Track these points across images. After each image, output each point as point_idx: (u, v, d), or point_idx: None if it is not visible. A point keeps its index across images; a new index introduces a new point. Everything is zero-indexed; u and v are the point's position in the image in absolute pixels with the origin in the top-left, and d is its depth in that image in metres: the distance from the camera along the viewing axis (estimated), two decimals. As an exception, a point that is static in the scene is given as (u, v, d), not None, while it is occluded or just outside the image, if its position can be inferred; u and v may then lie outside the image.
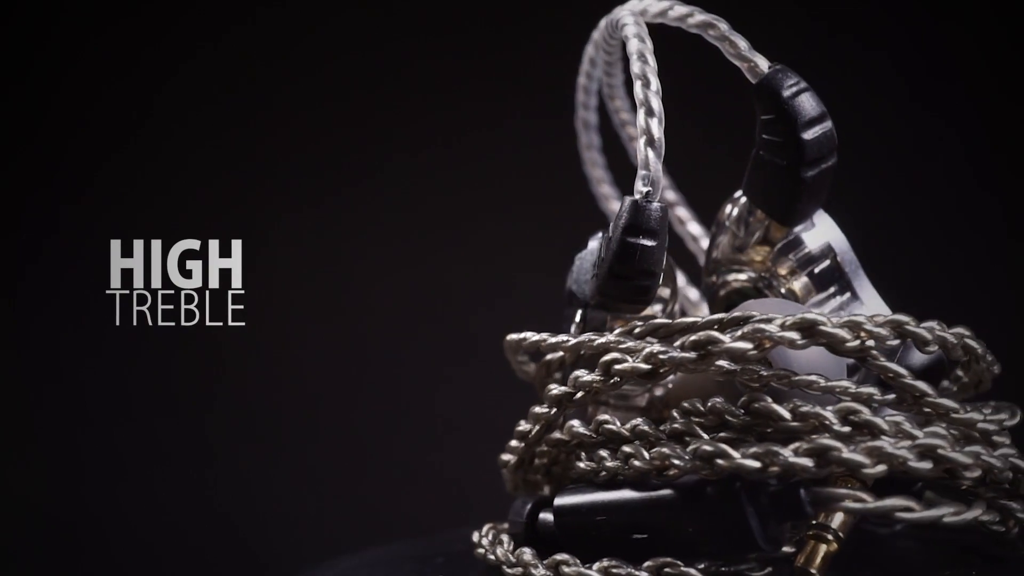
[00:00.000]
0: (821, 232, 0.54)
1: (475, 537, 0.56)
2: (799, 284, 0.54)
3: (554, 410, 0.53)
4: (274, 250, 1.08)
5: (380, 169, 1.08)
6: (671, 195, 0.64)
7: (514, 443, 0.55)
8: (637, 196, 0.50)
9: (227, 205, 1.08)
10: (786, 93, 0.51)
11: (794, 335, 0.48)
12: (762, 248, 0.54)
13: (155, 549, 1.07)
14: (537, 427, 0.54)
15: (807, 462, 0.46)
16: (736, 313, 0.50)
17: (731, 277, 0.55)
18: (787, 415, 0.48)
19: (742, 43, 0.53)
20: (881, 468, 0.46)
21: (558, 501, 0.52)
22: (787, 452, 0.47)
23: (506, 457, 0.56)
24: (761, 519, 0.48)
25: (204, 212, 1.08)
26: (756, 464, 0.47)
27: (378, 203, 1.08)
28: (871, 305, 0.53)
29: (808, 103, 0.51)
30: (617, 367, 0.50)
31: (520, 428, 0.55)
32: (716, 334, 0.48)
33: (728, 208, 0.55)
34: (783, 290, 0.54)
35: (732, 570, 0.49)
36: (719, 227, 0.56)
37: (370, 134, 1.08)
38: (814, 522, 0.48)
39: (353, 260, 1.08)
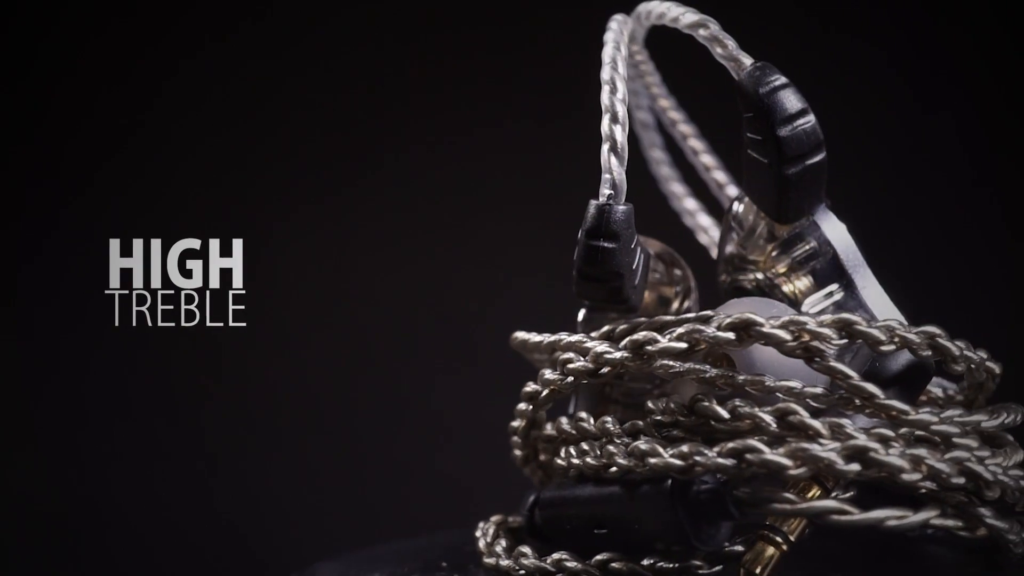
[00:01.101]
0: (822, 228, 0.53)
1: (480, 527, 0.57)
2: (800, 283, 0.54)
3: (531, 407, 0.54)
4: (274, 250, 1.08)
5: (380, 169, 1.08)
6: (678, 187, 0.64)
7: (514, 438, 0.57)
8: (600, 200, 0.51)
9: (227, 205, 1.08)
10: (763, 90, 0.51)
11: (730, 335, 0.48)
12: (765, 246, 0.54)
13: (154, 548, 1.07)
14: (523, 423, 0.55)
15: (728, 462, 0.47)
16: (706, 312, 0.51)
17: (740, 276, 0.56)
18: (726, 415, 0.49)
19: (730, 43, 0.53)
20: (803, 470, 0.46)
21: (543, 495, 0.54)
22: (711, 452, 0.47)
23: (515, 452, 0.57)
24: (694, 518, 0.48)
25: (204, 212, 1.08)
26: (680, 463, 0.48)
27: (378, 203, 1.08)
28: (875, 303, 0.52)
29: (785, 100, 0.51)
30: (569, 366, 0.52)
31: (512, 424, 0.56)
32: (654, 334, 0.50)
33: (732, 206, 0.56)
34: (785, 289, 0.54)
35: (679, 567, 0.50)
36: (726, 226, 0.56)
37: (370, 134, 1.08)
38: (767, 523, 0.48)
39: (353, 260, 1.08)
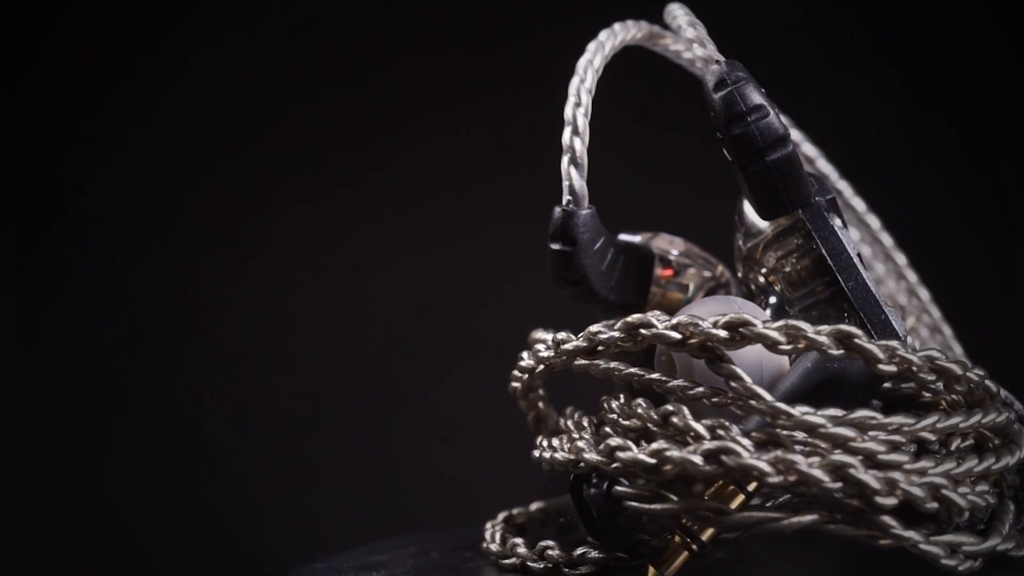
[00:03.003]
0: (809, 225, 0.52)
1: (498, 517, 0.59)
2: (788, 280, 0.53)
3: (520, 384, 0.55)
4: (274, 249, 1.08)
5: (380, 168, 1.08)
6: (795, 133, 0.63)
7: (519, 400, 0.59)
8: (559, 207, 0.54)
9: (227, 204, 1.08)
10: (717, 90, 0.52)
11: (621, 335, 0.50)
12: (759, 243, 0.54)
13: (154, 547, 1.07)
14: (520, 386, 0.56)
15: (601, 458, 0.49)
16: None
17: (749, 274, 0.56)
18: (615, 414, 0.50)
19: (697, 47, 0.54)
20: (668, 468, 0.47)
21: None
22: (592, 452, 0.49)
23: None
24: (583, 511, 0.50)
25: (204, 211, 1.08)
26: (568, 457, 0.50)
27: (378, 202, 1.08)
28: (862, 303, 0.51)
29: (738, 97, 0.51)
30: (563, 346, 0.52)
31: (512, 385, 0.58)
32: (651, 319, 0.50)
33: (739, 203, 0.56)
34: (778, 288, 0.54)
35: (604, 557, 0.51)
36: (735, 223, 0.56)
37: (370, 133, 1.08)
38: (682, 523, 0.48)
39: (353, 259, 1.08)
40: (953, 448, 0.49)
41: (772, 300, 0.54)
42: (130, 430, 1.07)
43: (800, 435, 0.47)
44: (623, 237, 0.58)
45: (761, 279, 0.54)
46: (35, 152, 1.07)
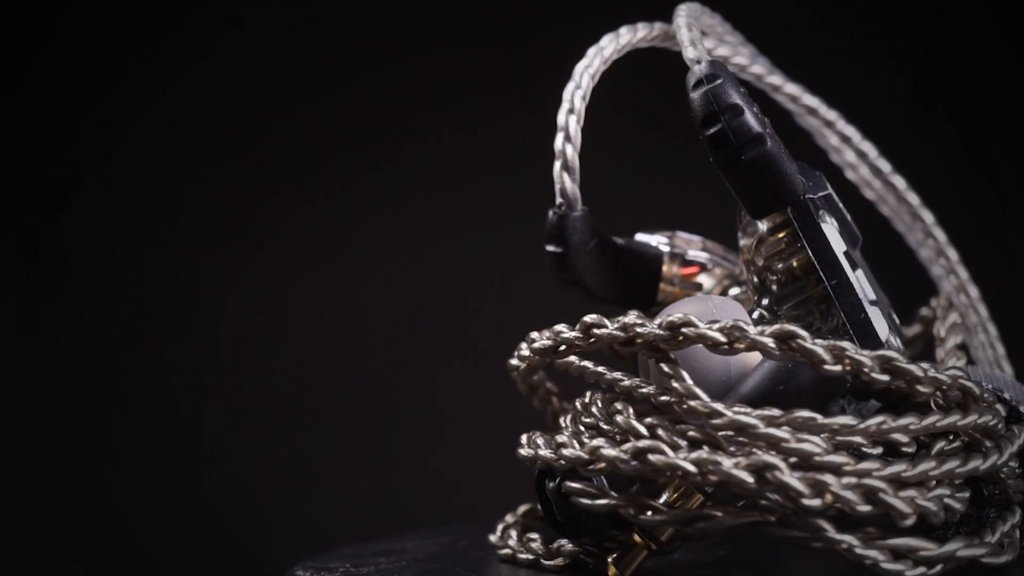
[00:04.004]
0: (795, 225, 0.52)
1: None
2: (776, 278, 0.53)
3: (523, 367, 0.56)
4: (274, 250, 1.08)
5: (380, 168, 1.08)
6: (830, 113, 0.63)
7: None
8: (553, 210, 0.56)
9: (227, 204, 1.08)
10: (693, 92, 0.52)
11: (579, 334, 0.51)
12: (753, 241, 0.54)
13: (153, 546, 1.07)
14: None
15: (551, 455, 0.50)
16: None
17: (750, 274, 0.56)
18: (591, 410, 0.51)
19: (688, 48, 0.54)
20: (602, 466, 0.48)
21: None
22: (545, 448, 0.50)
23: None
24: (545, 507, 0.51)
25: (204, 211, 1.08)
26: (529, 454, 0.52)
27: (378, 202, 1.08)
28: (843, 304, 0.51)
29: (710, 98, 0.52)
30: (534, 344, 0.54)
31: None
32: (604, 319, 0.51)
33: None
34: (774, 287, 0.54)
35: (575, 551, 0.53)
36: (738, 222, 0.56)
37: (370, 133, 1.08)
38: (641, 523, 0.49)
39: (352, 259, 1.08)
40: (935, 451, 0.49)
41: (765, 301, 0.53)
42: (130, 429, 1.07)
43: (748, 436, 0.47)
44: (639, 237, 0.59)
45: (755, 278, 0.54)
46: (35, 152, 1.07)
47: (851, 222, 0.55)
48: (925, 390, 0.48)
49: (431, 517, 0.94)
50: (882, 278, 0.55)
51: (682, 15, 0.56)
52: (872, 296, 0.52)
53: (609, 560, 0.50)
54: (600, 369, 0.51)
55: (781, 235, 0.53)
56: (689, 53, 0.54)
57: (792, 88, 0.62)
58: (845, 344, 0.47)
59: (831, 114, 0.63)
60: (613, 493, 0.49)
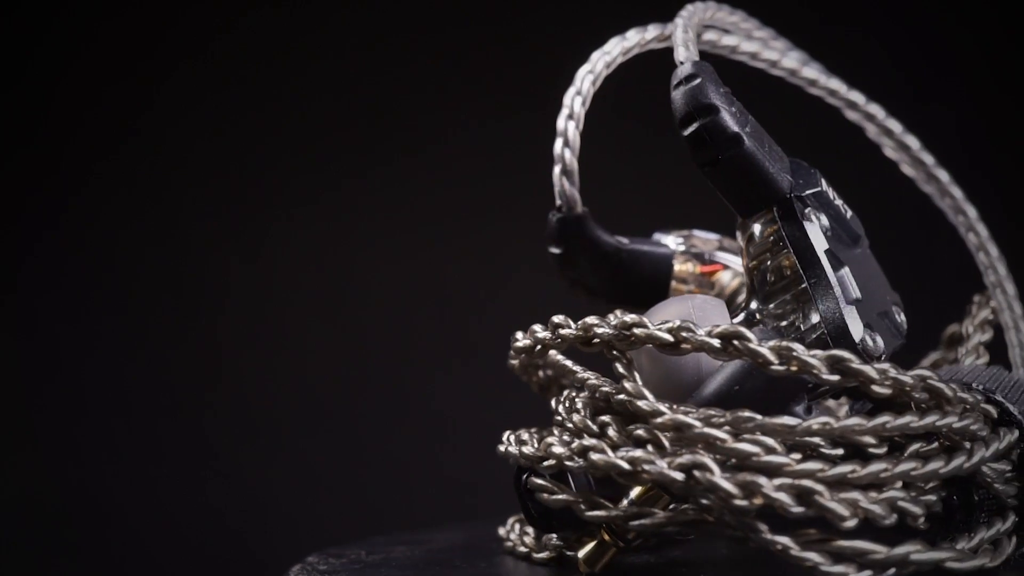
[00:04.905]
0: (780, 223, 0.53)
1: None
2: (761, 276, 0.53)
3: (516, 362, 0.57)
4: (274, 249, 1.08)
5: (379, 168, 1.08)
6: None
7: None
8: (553, 212, 0.57)
9: (227, 205, 1.08)
10: (672, 93, 0.53)
11: (550, 334, 0.52)
12: (745, 241, 0.54)
13: (153, 545, 1.07)
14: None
15: (515, 451, 0.51)
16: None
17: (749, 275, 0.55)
18: (559, 409, 0.53)
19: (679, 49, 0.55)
20: (551, 463, 0.49)
21: None
22: (515, 446, 0.52)
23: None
24: (522, 502, 0.52)
25: (204, 211, 1.08)
26: (508, 450, 0.53)
27: (378, 202, 1.08)
28: (824, 303, 0.51)
29: (686, 99, 0.52)
30: (515, 344, 0.55)
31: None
32: (569, 320, 0.52)
33: None
34: (767, 287, 0.54)
35: (561, 545, 0.54)
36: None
37: (369, 134, 1.08)
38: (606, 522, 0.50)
39: (353, 259, 1.08)
40: (909, 452, 0.48)
41: (755, 302, 0.53)
42: (130, 429, 1.07)
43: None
44: (657, 236, 0.59)
45: (747, 277, 0.55)
46: (35, 151, 1.07)
47: (850, 220, 0.55)
48: (881, 391, 0.47)
49: (431, 517, 0.94)
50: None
51: (683, 16, 0.56)
52: (855, 295, 0.51)
53: (579, 556, 0.51)
54: (575, 368, 0.52)
55: (768, 234, 0.53)
56: (678, 54, 0.54)
57: (834, 83, 0.62)
58: (793, 345, 0.47)
59: (873, 107, 0.63)
60: (570, 490, 0.50)
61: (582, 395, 0.51)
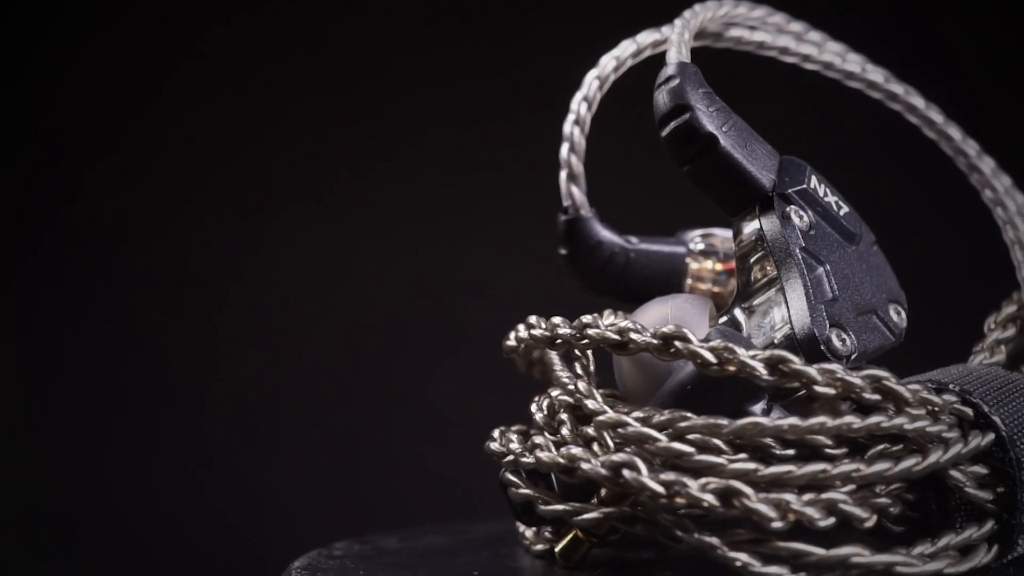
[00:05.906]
0: (760, 221, 0.53)
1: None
2: (744, 276, 0.53)
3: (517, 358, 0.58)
4: (271, 248, 1.08)
5: (377, 166, 1.08)
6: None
7: None
8: (561, 214, 0.57)
9: (225, 203, 1.08)
10: (654, 93, 0.53)
11: (526, 334, 0.53)
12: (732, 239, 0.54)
13: (153, 544, 1.07)
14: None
15: (495, 447, 0.53)
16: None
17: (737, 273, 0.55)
18: (535, 410, 0.53)
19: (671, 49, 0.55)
20: (509, 459, 0.51)
21: None
22: (497, 442, 0.53)
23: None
24: (509, 501, 0.52)
25: (202, 210, 1.08)
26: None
27: (375, 199, 1.08)
28: (793, 301, 0.51)
29: (661, 100, 0.52)
30: (505, 343, 0.55)
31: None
32: (544, 322, 0.53)
33: None
34: (752, 286, 0.54)
35: (551, 537, 0.55)
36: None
37: (367, 132, 1.08)
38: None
39: (351, 258, 1.08)
40: (869, 454, 0.47)
41: (741, 301, 0.53)
42: (129, 429, 1.07)
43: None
44: (679, 234, 0.59)
45: (733, 276, 0.55)
46: (35, 151, 1.07)
47: (844, 217, 0.54)
48: (825, 391, 0.47)
49: (431, 516, 0.94)
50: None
51: (684, 17, 0.56)
52: (829, 295, 0.51)
53: (556, 550, 0.52)
54: (555, 366, 0.53)
55: (752, 232, 0.53)
56: (668, 55, 0.54)
57: (875, 75, 0.62)
58: (732, 345, 0.47)
59: (916, 99, 0.63)
60: (531, 485, 0.51)
61: (555, 393, 0.52)
